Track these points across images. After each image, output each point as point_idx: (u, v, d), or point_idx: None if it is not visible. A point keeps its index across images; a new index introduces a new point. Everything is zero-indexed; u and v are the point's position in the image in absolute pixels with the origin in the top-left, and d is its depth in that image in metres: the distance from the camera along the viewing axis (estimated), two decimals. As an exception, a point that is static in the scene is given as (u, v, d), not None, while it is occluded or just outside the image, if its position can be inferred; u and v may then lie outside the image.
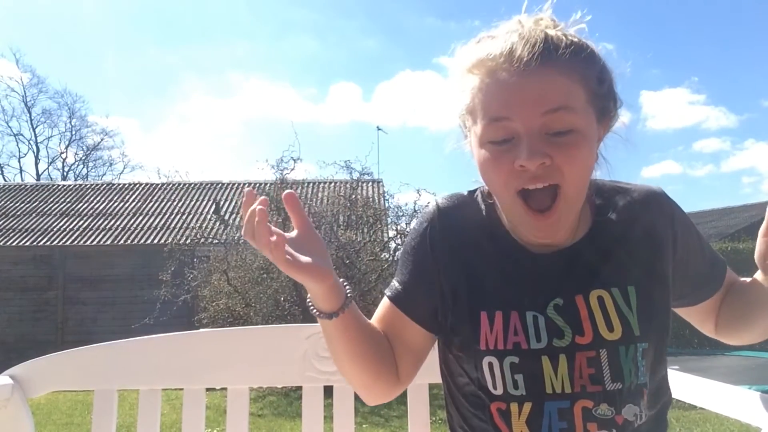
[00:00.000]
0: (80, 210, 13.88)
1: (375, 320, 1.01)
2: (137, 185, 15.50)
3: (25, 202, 14.35)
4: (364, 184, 11.50)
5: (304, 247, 0.87)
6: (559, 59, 0.82)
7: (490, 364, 0.90)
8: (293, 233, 0.89)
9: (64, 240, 12.65)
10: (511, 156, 0.84)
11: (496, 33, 0.88)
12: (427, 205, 1.03)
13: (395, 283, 1.00)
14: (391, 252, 8.96)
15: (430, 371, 1.03)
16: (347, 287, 0.92)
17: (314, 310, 0.91)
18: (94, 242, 12.58)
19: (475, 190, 1.02)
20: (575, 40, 0.86)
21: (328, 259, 0.89)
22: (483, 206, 0.99)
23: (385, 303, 1.01)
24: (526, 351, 0.89)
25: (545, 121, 0.82)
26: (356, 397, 1.30)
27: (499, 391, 0.90)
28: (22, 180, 26.38)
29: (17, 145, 31.25)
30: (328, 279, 0.87)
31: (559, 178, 0.84)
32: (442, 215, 0.99)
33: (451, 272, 0.96)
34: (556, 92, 0.82)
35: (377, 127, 16.70)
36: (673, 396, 0.95)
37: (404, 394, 1.28)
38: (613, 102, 0.91)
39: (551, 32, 0.85)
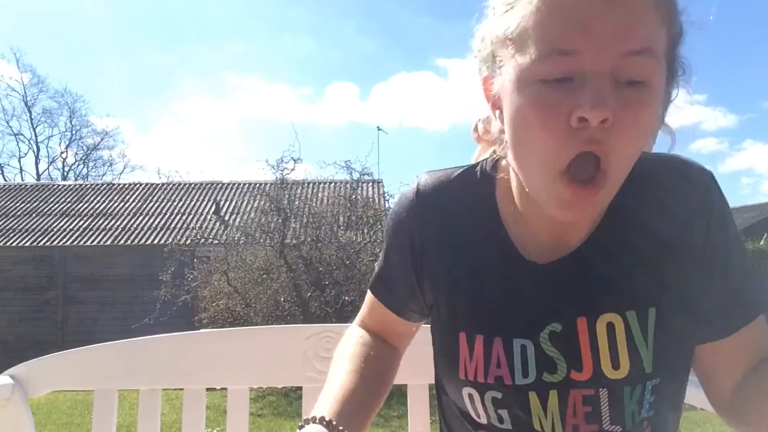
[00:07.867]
0: (80, 210, 13.87)
1: (366, 311, 0.97)
2: (137, 185, 15.48)
3: (25, 202, 14.34)
4: (364, 185, 11.49)
5: None
6: None
7: (470, 396, 0.77)
8: None
9: (64, 240, 12.65)
10: (569, 104, 0.61)
11: None
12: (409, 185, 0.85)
13: (375, 273, 0.93)
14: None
15: (430, 371, 1.03)
16: None
17: None
18: (94, 242, 12.57)
19: (467, 169, 0.83)
20: None
21: None
22: (476, 194, 0.80)
23: (369, 294, 0.95)
24: (510, 386, 0.74)
25: (622, 64, 0.60)
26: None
27: (484, 421, 0.78)
28: (22, 180, 26.36)
29: (17, 145, 31.37)
30: None
31: (608, 147, 0.62)
32: (422, 204, 0.82)
33: (430, 276, 0.82)
34: (645, 29, 0.61)
35: (377, 127, 16.71)
36: None
37: (404, 394, 1.28)
38: (680, 66, 0.68)
39: None
